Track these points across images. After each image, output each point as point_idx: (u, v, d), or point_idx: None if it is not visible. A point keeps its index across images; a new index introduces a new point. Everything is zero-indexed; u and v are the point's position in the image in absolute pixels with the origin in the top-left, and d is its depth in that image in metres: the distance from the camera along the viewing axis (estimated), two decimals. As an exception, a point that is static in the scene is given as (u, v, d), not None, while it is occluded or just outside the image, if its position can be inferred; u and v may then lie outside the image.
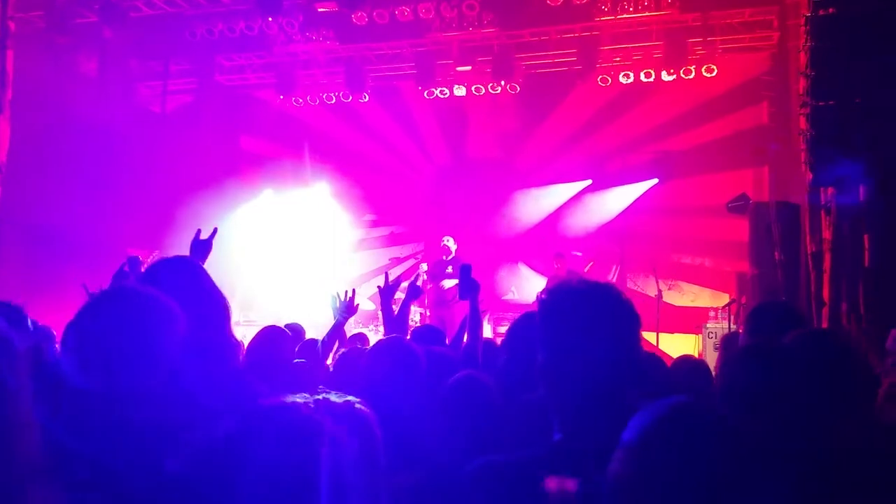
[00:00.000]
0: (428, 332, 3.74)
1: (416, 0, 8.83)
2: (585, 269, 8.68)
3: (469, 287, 3.37)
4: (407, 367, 2.33)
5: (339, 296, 3.60)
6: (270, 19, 9.21)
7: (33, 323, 2.93)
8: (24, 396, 0.91)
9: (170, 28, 9.61)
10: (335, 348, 3.66)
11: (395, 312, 3.61)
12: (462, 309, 7.91)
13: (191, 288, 1.81)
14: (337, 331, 3.67)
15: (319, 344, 3.62)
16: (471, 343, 3.23)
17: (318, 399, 1.16)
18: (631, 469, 0.93)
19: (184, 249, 2.44)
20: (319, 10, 9.27)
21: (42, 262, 7.85)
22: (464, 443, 2.02)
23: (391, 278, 3.69)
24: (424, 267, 8.96)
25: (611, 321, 1.25)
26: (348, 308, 3.64)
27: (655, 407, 0.96)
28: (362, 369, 2.43)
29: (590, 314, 1.25)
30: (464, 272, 3.43)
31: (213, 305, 1.86)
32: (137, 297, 1.49)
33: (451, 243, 8.76)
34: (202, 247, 2.46)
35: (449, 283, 8.58)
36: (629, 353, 1.25)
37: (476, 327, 3.24)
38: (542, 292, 1.34)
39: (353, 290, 3.67)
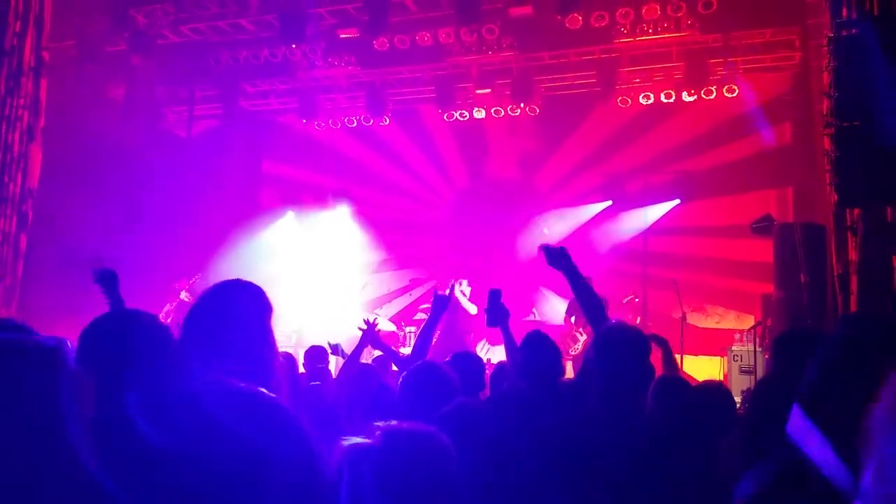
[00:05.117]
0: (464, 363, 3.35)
1: (436, 25, 8.95)
2: (624, 301, 8.57)
3: (499, 314, 3.20)
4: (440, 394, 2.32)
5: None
6: (294, 46, 9.40)
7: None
8: (81, 428, 0.90)
9: (195, 55, 9.85)
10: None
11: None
12: (470, 341, 7.85)
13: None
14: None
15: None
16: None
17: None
18: None
19: (211, 269, 2.53)
20: (342, 36, 9.43)
21: (71, 285, 7.98)
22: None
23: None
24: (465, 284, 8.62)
25: None
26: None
27: None
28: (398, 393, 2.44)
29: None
30: (493, 298, 3.25)
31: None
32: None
33: (464, 288, 8.48)
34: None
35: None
36: None
37: (514, 354, 3.07)
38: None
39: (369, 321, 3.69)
